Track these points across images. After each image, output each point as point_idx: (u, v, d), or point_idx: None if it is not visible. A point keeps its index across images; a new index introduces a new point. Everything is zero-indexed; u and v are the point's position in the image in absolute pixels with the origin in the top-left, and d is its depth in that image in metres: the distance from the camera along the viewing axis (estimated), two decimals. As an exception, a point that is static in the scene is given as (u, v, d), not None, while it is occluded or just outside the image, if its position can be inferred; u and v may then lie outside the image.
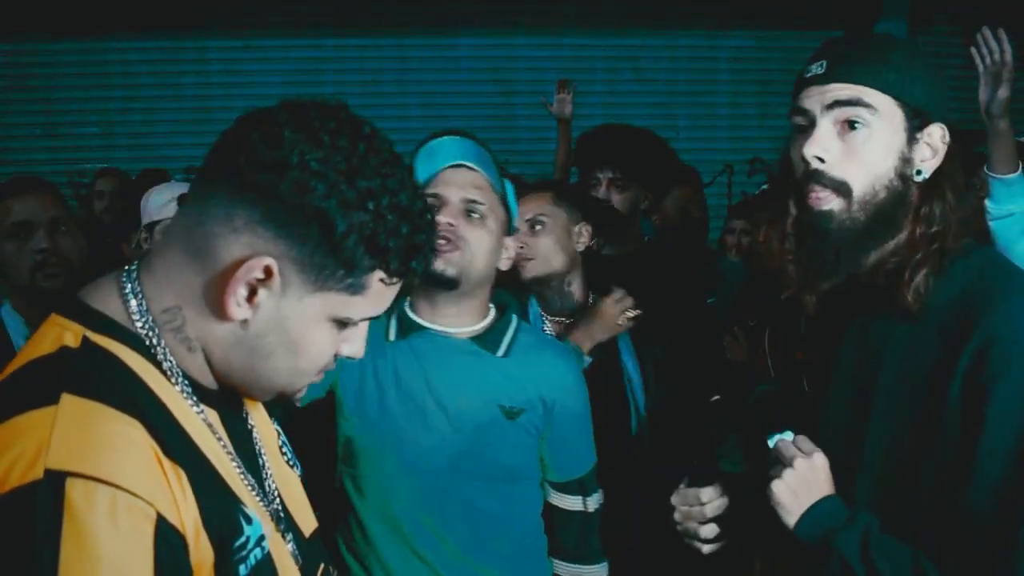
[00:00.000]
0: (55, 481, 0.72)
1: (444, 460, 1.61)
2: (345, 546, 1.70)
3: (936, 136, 1.16)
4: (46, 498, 0.72)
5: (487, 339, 1.69)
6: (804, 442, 1.20)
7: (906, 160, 1.15)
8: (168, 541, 0.76)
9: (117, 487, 0.74)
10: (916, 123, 1.15)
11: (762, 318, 2.55)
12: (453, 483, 1.62)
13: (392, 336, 1.68)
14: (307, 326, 0.88)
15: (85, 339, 0.84)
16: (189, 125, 5.43)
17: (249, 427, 1.01)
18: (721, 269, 3.59)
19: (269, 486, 0.99)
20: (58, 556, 0.70)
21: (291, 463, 1.09)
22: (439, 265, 1.59)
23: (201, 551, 0.81)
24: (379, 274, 0.87)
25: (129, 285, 0.88)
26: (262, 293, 0.84)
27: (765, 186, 2.46)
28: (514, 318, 1.75)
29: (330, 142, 0.83)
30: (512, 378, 1.67)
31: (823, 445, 1.20)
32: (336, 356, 0.94)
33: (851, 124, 1.14)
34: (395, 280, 0.89)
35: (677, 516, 1.34)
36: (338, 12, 5.77)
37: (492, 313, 1.74)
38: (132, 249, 2.54)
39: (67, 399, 0.77)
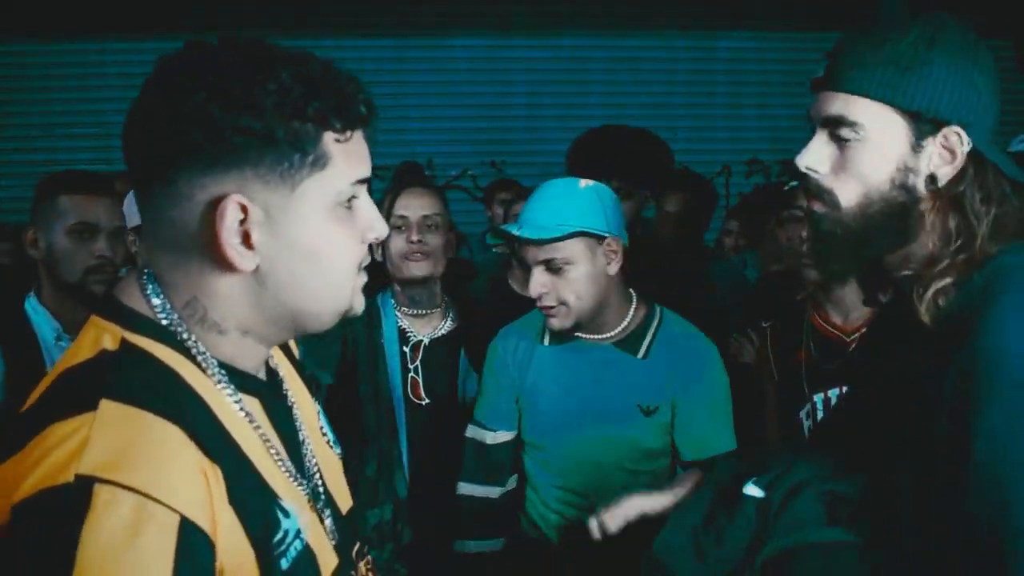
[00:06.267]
0: (83, 486, 0.73)
1: (595, 451, 1.87)
2: (529, 511, 2.01)
3: (952, 141, 1.07)
4: (71, 501, 0.72)
5: (627, 343, 1.89)
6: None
7: (909, 170, 1.08)
8: (192, 548, 0.76)
9: (144, 495, 0.74)
10: (925, 128, 1.07)
11: (774, 318, 2.54)
12: (605, 465, 1.87)
13: (546, 341, 1.94)
14: (313, 230, 0.87)
15: (124, 341, 0.85)
16: (187, 126, 5.43)
17: (289, 404, 1.01)
18: (710, 272, 3.56)
19: (309, 461, 0.99)
20: (75, 559, 0.70)
21: (331, 444, 1.09)
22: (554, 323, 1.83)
23: (239, 552, 0.81)
24: (330, 135, 0.86)
25: (150, 285, 0.88)
26: (253, 230, 0.84)
27: (795, 183, 2.42)
28: (656, 318, 1.92)
29: (213, 79, 0.82)
30: (650, 379, 1.85)
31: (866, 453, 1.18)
32: (366, 245, 0.93)
33: (842, 138, 1.10)
34: (349, 135, 0.87)
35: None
36: (336, 13, 5.77)
37: (633, 314, 1.91)
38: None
39: (106, 405, 0.78)
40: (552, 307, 1.80)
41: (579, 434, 1.89)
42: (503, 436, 2.02)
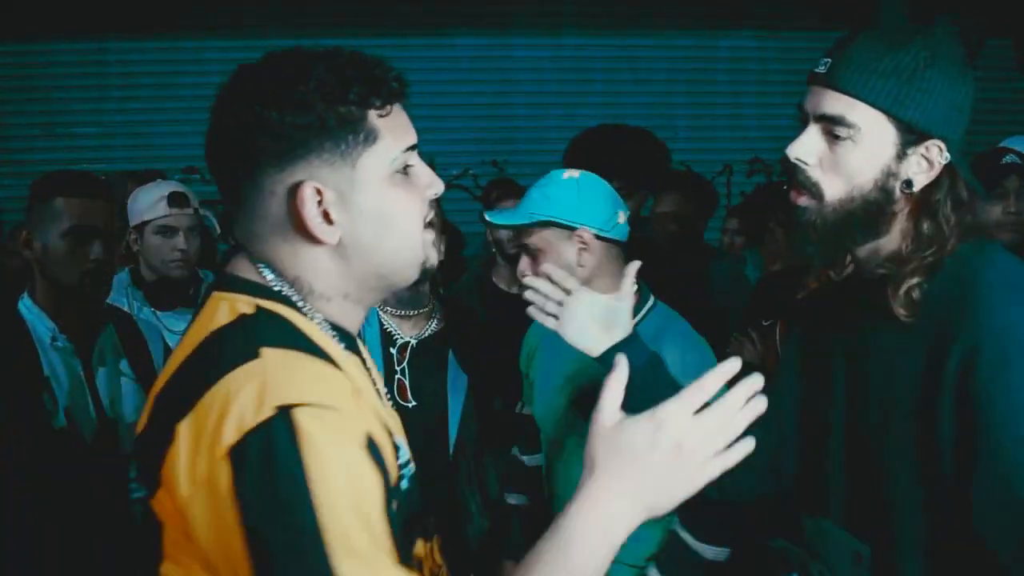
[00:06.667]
0: (285, 413, 0.84)
1: (580, 438, 1.84)
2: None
3: (933, 153, 1.15)
4: (282, 427, 0.84)
5: None
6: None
7: (891, 174, 1.15)
8: (374, 451, 0.90)
9: (334, 408, 0.87)
10: (911, 138, 1.14)
11: (775, 318, 2.53)
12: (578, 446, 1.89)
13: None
14: (379, 197, 1.00)
15: (259, 306, 0.98)
16: (187, 125, 5.41)
17: (367, 369, 1.13)
18: (710, 272, 3.55)
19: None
20: (303, 468, 0.82)
21: (393, 407, 1.21)
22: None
23: (391, 466, 0.95)
24: (373, 113, 0.98)
25: (259, 265, 1.02)
26: (330, 209, 0.97)
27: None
28: (646, 306, 1.88)
29: (263, 90, 0.96)
30: None
31: (809, 443, 1.25)
32: (429, 202, 1.06)
33: (835, 136, 1.16)
34: (388, 109, 1.00)
35: None
36: (336, 13, 5.77)
37: None
38: (122, 251, 2.53)
39: (267, 352, 0.91)
40: None
41: (567, 420, 1.91)
42: (526, 411, 2.18)
